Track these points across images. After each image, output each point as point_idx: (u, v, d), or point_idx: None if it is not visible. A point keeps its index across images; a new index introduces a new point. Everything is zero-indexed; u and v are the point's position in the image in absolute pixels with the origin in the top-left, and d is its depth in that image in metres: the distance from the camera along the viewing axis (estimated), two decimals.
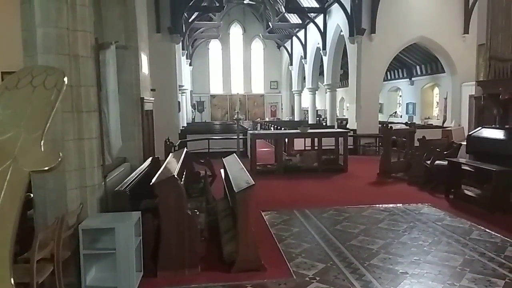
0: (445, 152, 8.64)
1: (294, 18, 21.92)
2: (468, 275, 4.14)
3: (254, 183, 4.30)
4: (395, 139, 11.02)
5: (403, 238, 5.34)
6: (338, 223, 6.01)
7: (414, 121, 18.12)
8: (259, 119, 26.44)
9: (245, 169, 5.33)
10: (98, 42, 4.37)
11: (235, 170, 5.41)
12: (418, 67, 19.74)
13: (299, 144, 12.96)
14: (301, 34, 21.36)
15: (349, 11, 14.08)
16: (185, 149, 7.28)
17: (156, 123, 8.05)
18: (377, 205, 7.00)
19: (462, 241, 5.19)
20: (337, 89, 18.29)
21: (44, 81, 1.47)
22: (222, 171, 6.72)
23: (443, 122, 16.54)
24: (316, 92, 21.39)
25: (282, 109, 28.51)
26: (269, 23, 22.45)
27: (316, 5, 17.63)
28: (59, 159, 1.36)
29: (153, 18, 12.34)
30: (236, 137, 12.38)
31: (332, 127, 16.25)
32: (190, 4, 14.25)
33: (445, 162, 7.83)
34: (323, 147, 10.74)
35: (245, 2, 23.58)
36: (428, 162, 8.44)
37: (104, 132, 4.56)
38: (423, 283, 4.00)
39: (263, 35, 25.21)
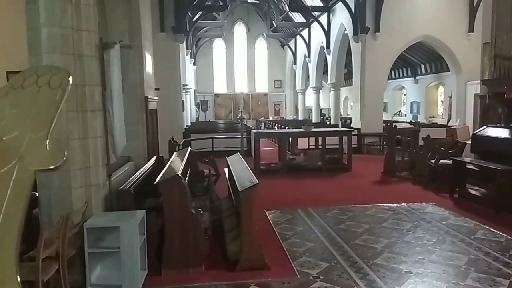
0: (449, 151, 8.61)
1: (298, 17, 21.85)
2: (473, 275, 4.12)
3: (258, 182, 4.31)
4: (399, 138, 10.97)
5: (407, 237, 5.33)
6: (342, 222, 6.00)
7: (418, 120, 17.99)
8: (263, 118, 26.41)
9: (249, 168, 5.33)
10: (103, 41, 4.39)
11: (239, 169, 5.42)
12: (422, 66, 19.64)
13: (303, 143, 12.92)
14: (305, 33, 21.29)
15: (353, 9, 14.03)
16: (189, 148, 7.30)
17: (160, 122, 8.07)
18: (381, 204, 6.99)
19: (467, 241, 5.17)
20: (341, 88, 18.23)
21: (49, 80, 1.48)
22: (226, 170, 6.71)
23: (448, 121, 16.45)
24: (320, 91, 21.31)
25: (286, 108, 28.42)
26: (273, 22, 22.43)
27: (320, 3, 17.56)
28: (64, 158, 1.37)
29: (157, 18, 12.39)
30: (240, 136, 12.36)
31: (336, 126, 16.22)
32: (194, 3, 14.27)
33: (450, 161, 7.81)
34: (327, 146, 10.72)
35: (249, 1, 23.57)
36: (433, 161, 8.40)
37: (109, 131, 4.59)
38: (427, 283, 3.99)
39: (267, 34, 25.12)
